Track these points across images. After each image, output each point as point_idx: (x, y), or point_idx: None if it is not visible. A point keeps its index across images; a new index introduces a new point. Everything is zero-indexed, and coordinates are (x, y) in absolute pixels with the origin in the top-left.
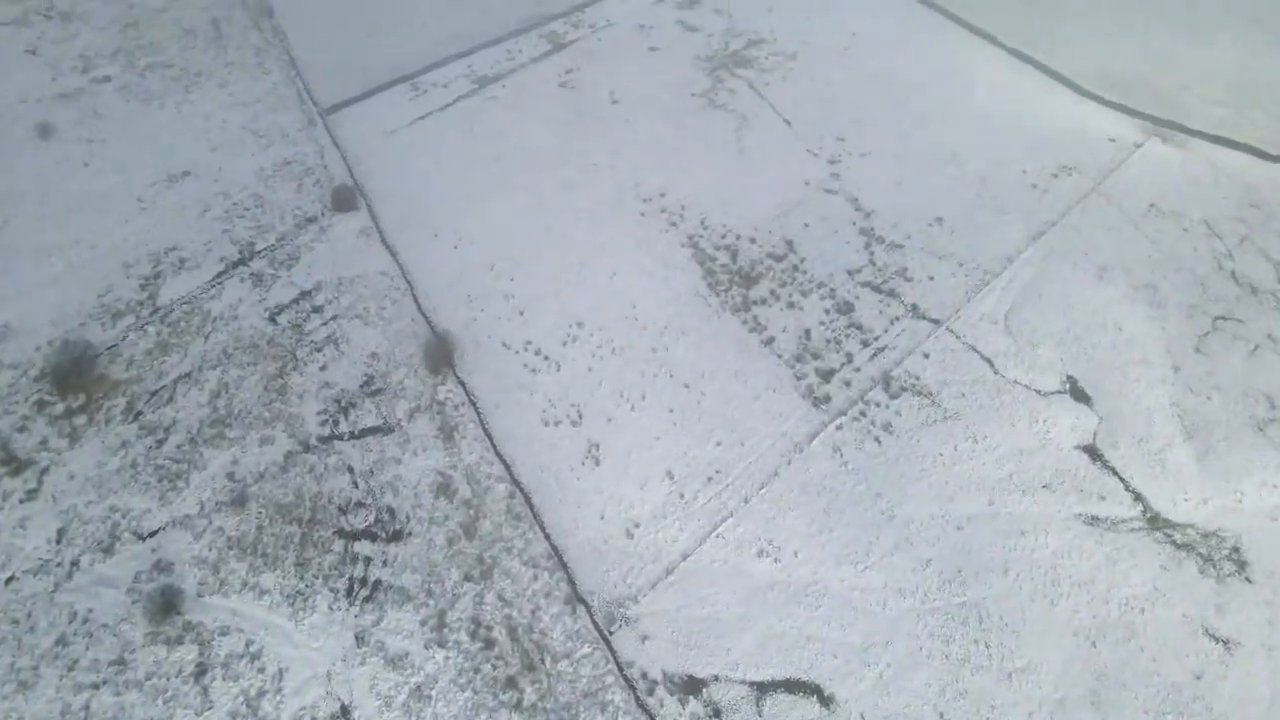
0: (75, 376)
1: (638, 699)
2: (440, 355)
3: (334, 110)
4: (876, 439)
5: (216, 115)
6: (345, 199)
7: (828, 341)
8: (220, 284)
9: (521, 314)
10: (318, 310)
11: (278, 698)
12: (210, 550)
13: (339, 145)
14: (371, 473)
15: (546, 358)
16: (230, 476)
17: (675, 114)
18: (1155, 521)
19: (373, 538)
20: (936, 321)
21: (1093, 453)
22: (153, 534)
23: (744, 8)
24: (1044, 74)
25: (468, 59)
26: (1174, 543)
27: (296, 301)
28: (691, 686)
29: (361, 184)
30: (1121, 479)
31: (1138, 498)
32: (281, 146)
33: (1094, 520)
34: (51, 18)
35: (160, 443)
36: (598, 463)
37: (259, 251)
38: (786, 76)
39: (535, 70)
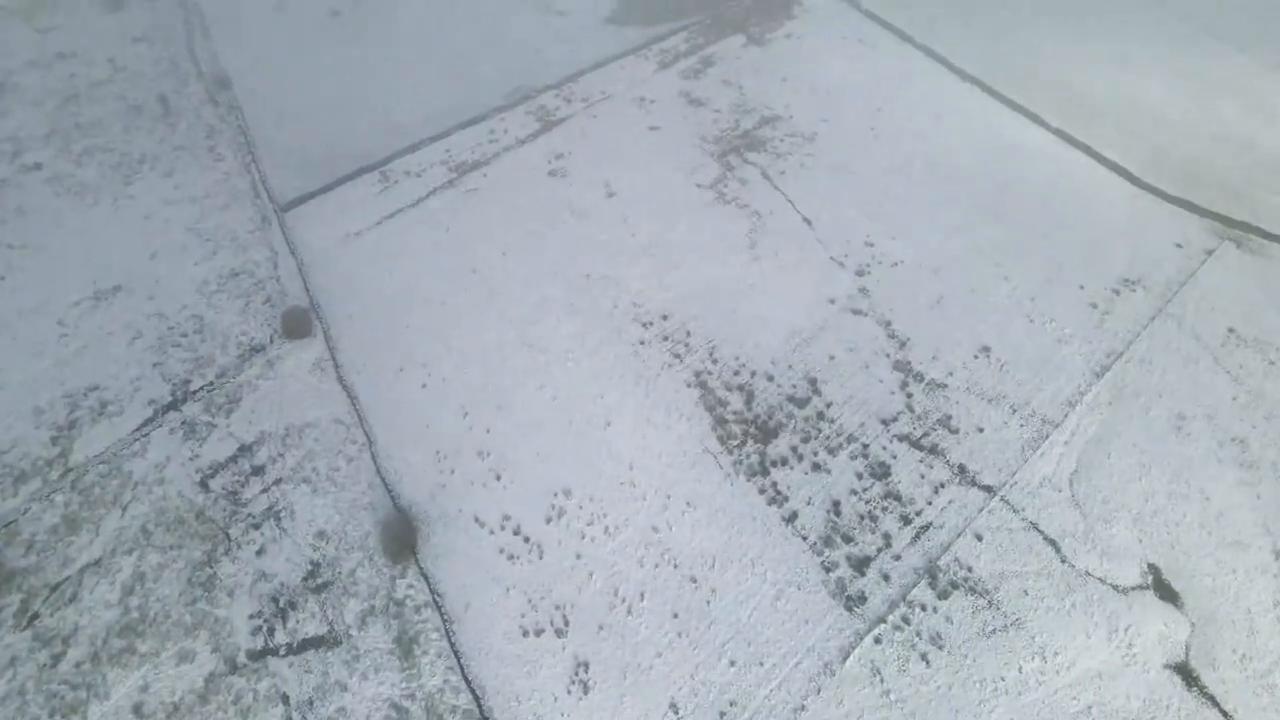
0: None
1: None
2: (401, 537)
3: (292, 206)
4: (924, 656)
5: (158, 213)
6: (298, 324)
7: (860, 518)
8: (146, 436)
9: (498, 478)
10: (258, 472)
11: None
12: None
13: (295, 252)
14: (311, 704)
15: (527, 539)
16: (137, 710)
17: (679, 211)
18: None
19: None
20: (989, 489)
21: (1187, 675)
22: None
23: (755, 78)
24: (1093, 159)
25: (445, 140)
26: None
27: (234, 460)
28: None
29: (318, 302)
30: (1224, 713)
31: None
32: (230, 253)
33: None
34: None
35: (56, 659)
36: (586, 690)
37: (194, 392)
38: (805, 163)
39: (521, 154)
